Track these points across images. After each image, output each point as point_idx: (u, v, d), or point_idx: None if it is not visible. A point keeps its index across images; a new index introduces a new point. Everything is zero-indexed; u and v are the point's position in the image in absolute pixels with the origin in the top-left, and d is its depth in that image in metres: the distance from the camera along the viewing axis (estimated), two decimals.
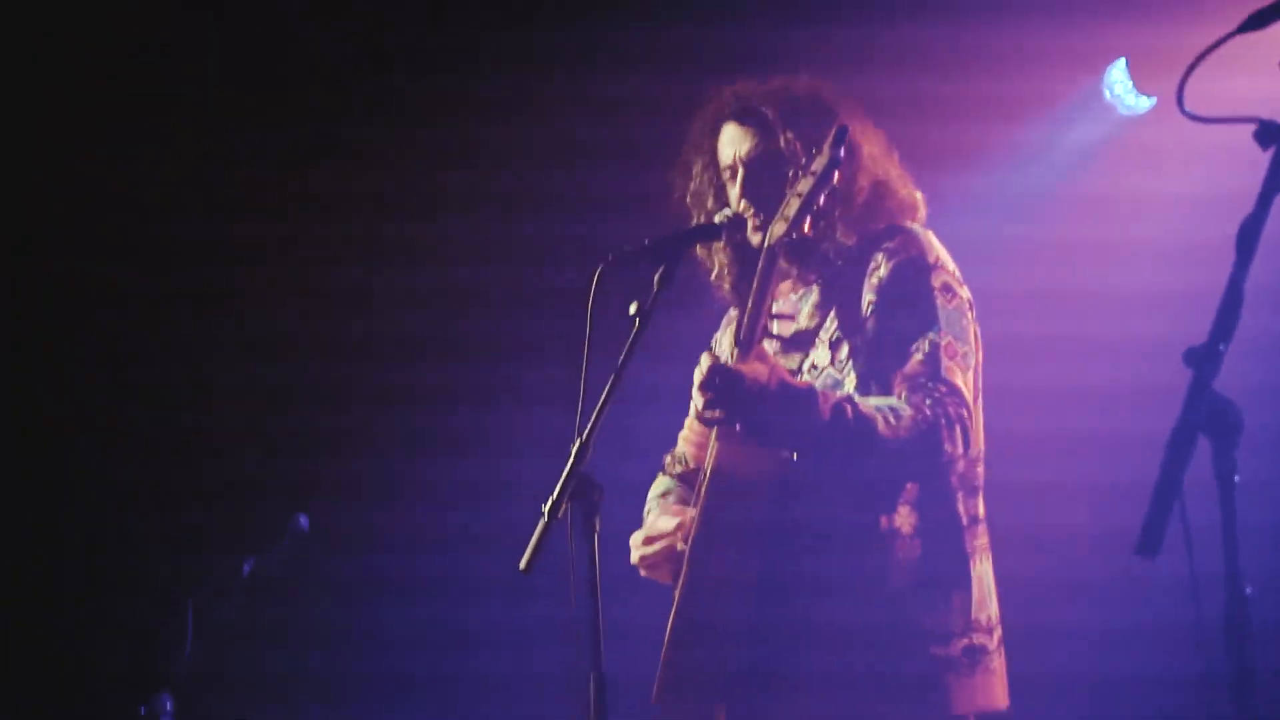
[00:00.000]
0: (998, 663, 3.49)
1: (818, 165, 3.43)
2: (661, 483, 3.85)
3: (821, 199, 3.43)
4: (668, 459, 3.88)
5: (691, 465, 3.79)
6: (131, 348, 5.65)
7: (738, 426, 3.31)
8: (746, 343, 3.36)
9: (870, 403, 3.35)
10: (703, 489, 3.42)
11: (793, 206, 3.43)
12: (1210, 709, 2.22)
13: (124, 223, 5.61)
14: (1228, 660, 2.11)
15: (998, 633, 3.51)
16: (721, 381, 3.28)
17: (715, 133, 3.70)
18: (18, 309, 5.68)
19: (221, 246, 5.63)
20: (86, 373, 5.66)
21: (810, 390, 3.33)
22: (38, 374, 5.68)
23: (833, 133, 3.43)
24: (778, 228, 3.43)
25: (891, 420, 3.31)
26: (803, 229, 3.42)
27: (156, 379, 5.64)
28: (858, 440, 3.29)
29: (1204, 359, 2.15)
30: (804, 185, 3.43)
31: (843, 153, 3.42)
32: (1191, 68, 2.37)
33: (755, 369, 3.30)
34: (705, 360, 3.38)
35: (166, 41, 5.52)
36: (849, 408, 3.31)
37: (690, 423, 3.81)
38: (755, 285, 3.42)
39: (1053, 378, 5.11)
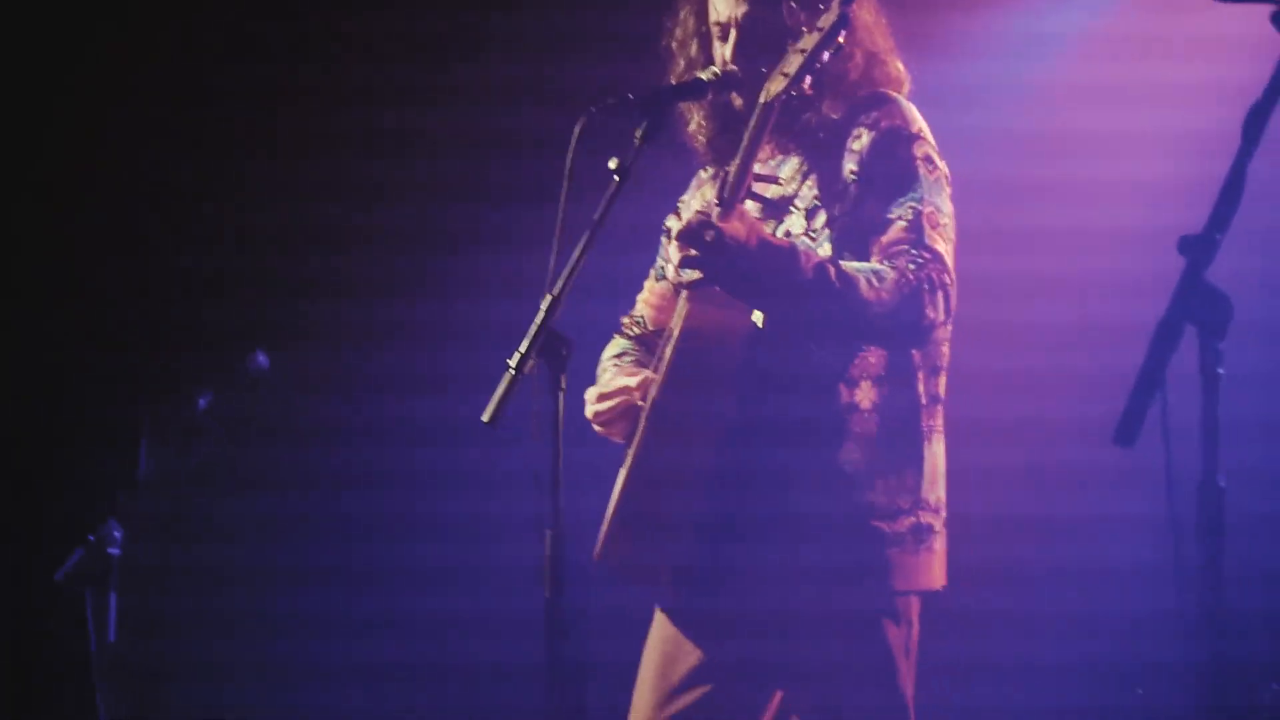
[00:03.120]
0: (940, 544, 3.49)
1: (824, 21, 3.34)
2: (618, 343, 3.82)
3: (825, 57, 3.34)
4: (625, 320, 3.85)
5: (650, 328, 3.77)
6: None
7: (715, 285, 3.27)
8: (729, 201, 3.30)
9: (852, 265, 3.31)
10: (669, 348, 3.38)
11: (794, 63, 3.34)
12: (1176, 601, 2.20)
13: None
14: (1199, 553, 2.08)
15: (943, 514, 3.50)
16: (704, 237, 3.23)
17: None
18: None
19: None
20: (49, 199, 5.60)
21: (793, 248, 3.29)
22: None
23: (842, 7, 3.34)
24: (776, 84, 3.35)
25: (875, 282, 3.28)
26: (802, 87, 3.34)
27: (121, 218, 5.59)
28: (840, 299, 3.25)
29: (1198, 247, 2.10)
30: (808, 41, 3.35)
31: (851, 11, 3.33)
32: None
33: (735, 226, 3.25)
34: (680, 217, 3.33)
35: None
36: (831, 268, 3.27)
37: (650, 285, 3.79)
38: (745, 142, 3.34)
39: (1032, 268, 5.08)
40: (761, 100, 3.35)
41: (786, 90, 3.33)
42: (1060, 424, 4.98)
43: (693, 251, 3.25)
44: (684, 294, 3.38)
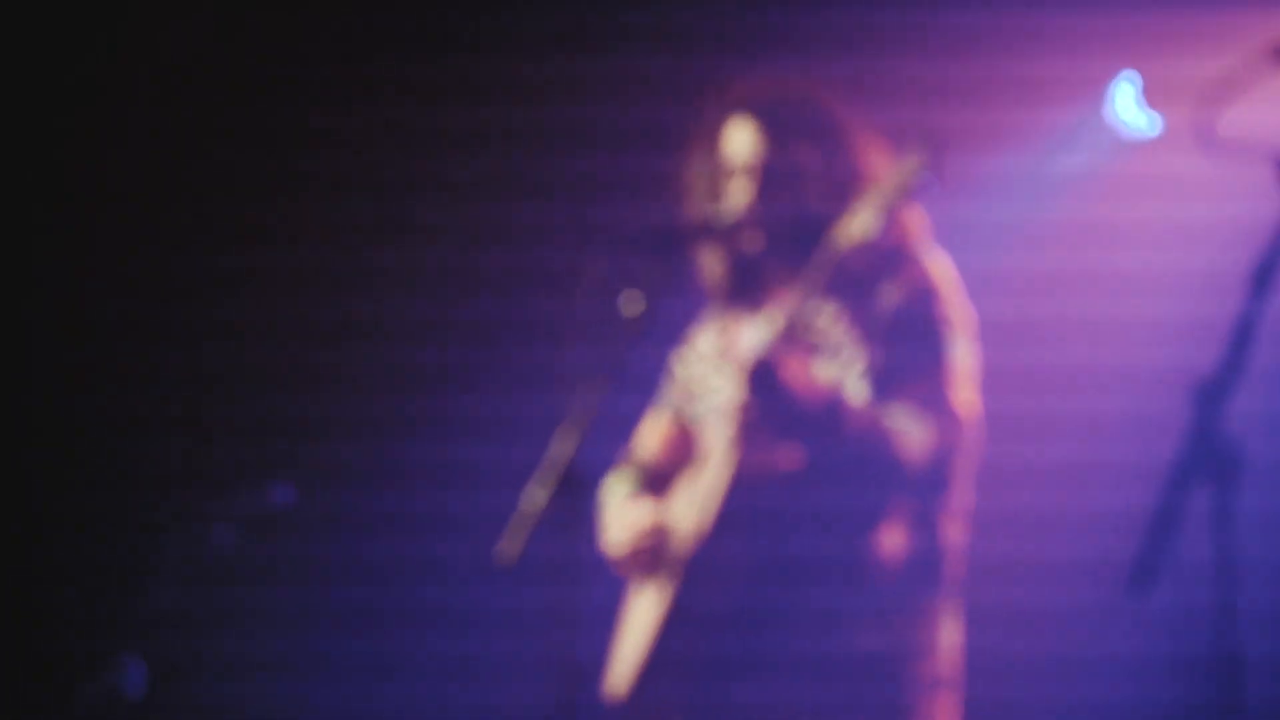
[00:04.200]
0: (954, 696, 3.49)
1: (907, 168, 3.41)
2: (624, 479, 3.77)
3: (898, 207, 3.41)
4: (630, 457, 3.81)
5: (656, 466, 3.74)
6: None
7: (766, 424, 3.34)
8: (787, 342, 3.35)
9: (891, 416, 3.37)
10: (713, 490, 3.42)
11: (873, 206, 3.41)
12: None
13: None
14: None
15: (958, 665, 3.51)
16: (763, 378, 3.30)
17: (722, 125, 3.64)
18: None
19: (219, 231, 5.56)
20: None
21: (840, 395, 3.36)
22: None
23: (921, 157, 3.41)
24: (855, 226, 3.41)
25: (908, 440, 3.35)
26: (879, 230, 3.40)
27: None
28: (877, 448, 3.33)
29: (1210, 397, 2.13)
30: (889, 187, 3.42)
31: (926, 181, 3.41)
32: (1218, 102, 2.34)
33: (791, 369, 3.33)
34: (685, 360, 3.38)
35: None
36: (873, 417, 3.34)
37: (655, 423, 3.78)
38: (808, 283, 3.40)
39: (1044, 405, 5.10)
40: (840, 243, 3.41)
41: (864, 234, 3.39)
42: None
43: (752, 393, 3.31)
44: (728, 435, 3.42)
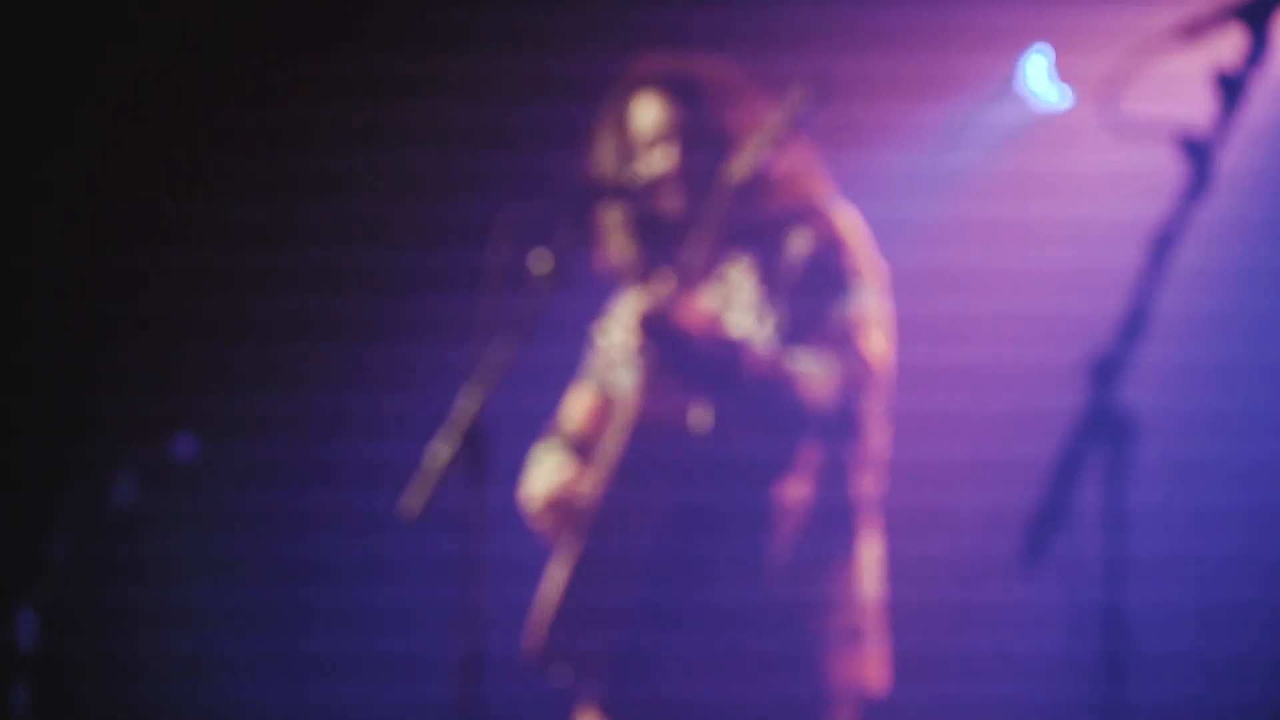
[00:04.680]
0: (874, 646, 3.52)
1: (790, 103, 3.45)
2: (550, 446, 3.78)
3: (788, 137, 3.46)
4: (554, 427, 3.81)
5: (581, 436, 3.75)
6: None
7: (667, 373, 3.38)
8: (685, 288, 3.39)
9: (795, 362, 3.40)
10: (616, 441, 3.44)
11: (758, 145, 3.46)
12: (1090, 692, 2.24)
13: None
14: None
15: (878, 615, 3.54)
16: (659, 326, 3.33)
17: (628, 100, 3.67)
18: None
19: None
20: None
21: (742, 342, 3.39)
22: None
23: (801, 90, 3.45)
24: (741, 167, 3.44)
25: (813, 380, 3.38)
26: (763, 170, 3.44)
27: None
28: (782, 395, 3.36)
29: (1105, 377, 2.15)
30: (774, 122, 3.46)
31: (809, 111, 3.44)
32: (1119, 85, 2.35)
33: (690, 316, 3.37)
34: (606, 331, 3.41)
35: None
36: (776, 364, 3.37)
37: (578, 395, 3.78)
38: (705, 228, 3.44)
39: (959, 357, 5.14)
40: (726, 183, 3.43)
41: (751, 171, 3.42)
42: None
43: (648, 340, 3.33)
44: (632, 388, 3.45)
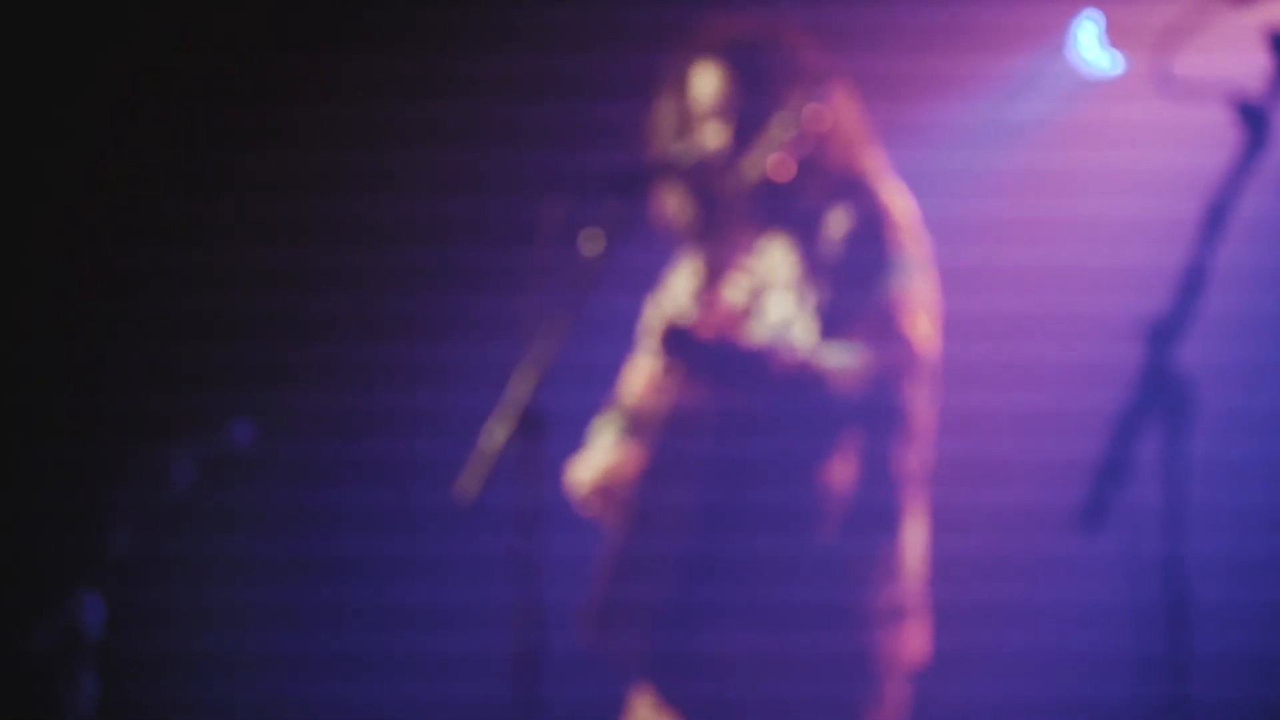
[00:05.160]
0: (919, 626, 3.51)
1: (796, 103, 3.41)
2: (610, 420, 3.83)
3: (798, 138, 3.42)
4: (615, 397, 3.86)
5: (641, 406, 3.78)
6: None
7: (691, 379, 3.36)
8: (706, 296, 3.36)
9: (827, 355, 3.36)
10: (649, 438, 3.42)
11: (770, 147, 3.41)
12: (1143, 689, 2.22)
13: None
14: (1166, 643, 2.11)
15: (922, 590, 3.52)
16: (677, 342, 3.32)
17: (688, 69, 3.64)
18: None
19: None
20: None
21: (763, 350, 3.37)
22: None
23: (812, 97, 3.42)
24: (755, 167, 3.40)
25: (847, 373, 3.34)
26: (783, 172, 3.40)
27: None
28: (811, 395, 3.33)
29: (1162, 337, 2.14)
30: (781, 123, 3.42)
31: (819, 123, 3.41)
32: (1176, 43, 2.33)
33: (707, 329, 3.36)
34: (661, 304, 3.39)
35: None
36: (803, 367, 3.34)
37: (639, 362, 3.80)
38: (723, 232, 3.41)
39: (1005, 352, 5.11)
40: (737, 187, 3.41)
41: (763, 174, 3.39)
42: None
43: (670, 355, 3.34)
44: (665, 383, 3.44)
